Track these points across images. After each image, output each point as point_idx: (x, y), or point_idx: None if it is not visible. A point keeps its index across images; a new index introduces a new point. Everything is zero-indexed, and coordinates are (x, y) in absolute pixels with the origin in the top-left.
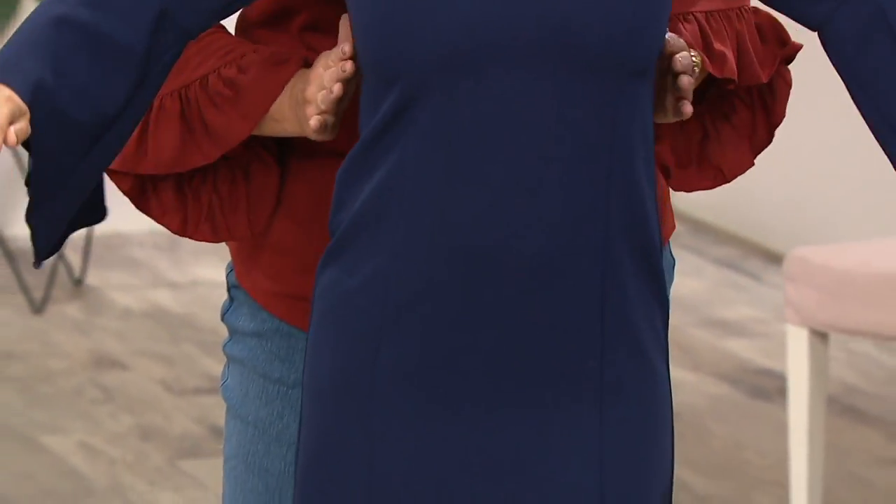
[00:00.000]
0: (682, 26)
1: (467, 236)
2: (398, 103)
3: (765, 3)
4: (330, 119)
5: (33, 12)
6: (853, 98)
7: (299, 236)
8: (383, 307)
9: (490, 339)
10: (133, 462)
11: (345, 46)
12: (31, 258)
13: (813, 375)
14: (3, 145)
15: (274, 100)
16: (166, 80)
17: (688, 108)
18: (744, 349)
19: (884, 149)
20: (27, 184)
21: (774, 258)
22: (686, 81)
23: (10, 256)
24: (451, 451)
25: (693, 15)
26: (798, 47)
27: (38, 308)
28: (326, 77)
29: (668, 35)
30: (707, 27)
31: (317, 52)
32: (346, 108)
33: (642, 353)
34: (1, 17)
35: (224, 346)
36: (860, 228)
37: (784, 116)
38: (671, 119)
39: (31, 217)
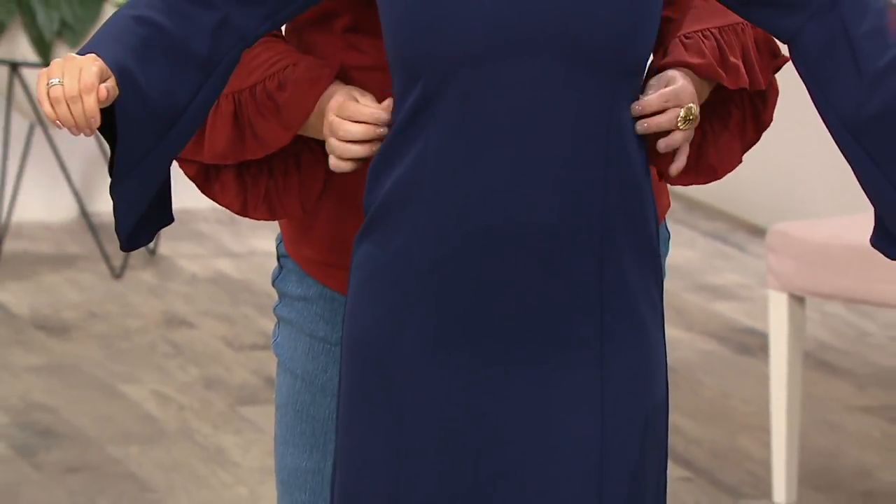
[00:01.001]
0: (702, 43)
1: (481, 214)
2: (421, 97)
3: (743, 18)
4: (347, 165)
5: (114, 14)
6: (814, 102)
7: (340, 214)
8: (409, 276)
9: (501, 303)
10: (199, 408)
11: (379, 114)
12: (111, 232)
13: (791, 334)
14: (98, 98)
15: (308, 115)
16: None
17: (676, 166)
18: (731, 311)
19: (838, 145)
20: (111, 166)
21: (758, 231)
22: (664, 145)
23: (94, 229)
24: (468, 400)
25: (710, 31)
26: (786, 59)
27: (117, 274)
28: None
29: (665, 90)
30: (722, 42)
31: (358, 50)
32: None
33: (638, 316)
34: (85, 21)
35: (275, 308)
36: (833, 205)
37: (772, 120)
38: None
39: (112, 194)
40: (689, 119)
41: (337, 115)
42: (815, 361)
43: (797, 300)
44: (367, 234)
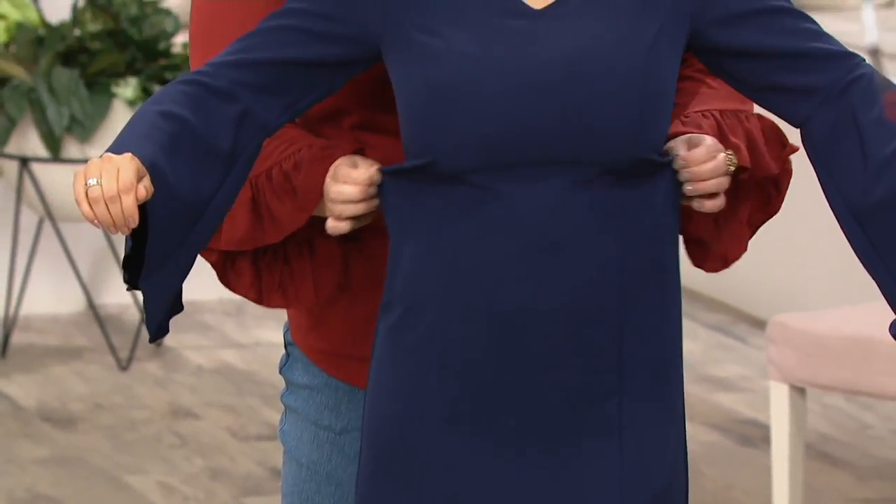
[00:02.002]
0: (701, 121)
1: (498, 299)
2: (437, 186)
3: (755, 102)
4: (343, 226)
5: (139, 110)
6: (823, 187)
7: (352, 307)
8: (430, 359)
9: (520, 386)
10: (204, 499)
11: (372, 173)
12: (118, 323)
13: (792, 425)
14: (137, 198)
15: (321, 193)
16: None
17: (716, 203)
18: (732, 402)
19: (845, 232)
20: (128, 261)
21: (758, 323)
22: (711, 205)
23: (101, 321)
24: (488, 481)
25: (710, 112)
26: (795, 149)
27: (123, 366)
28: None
29: (705, 142)
30: (723, 123)
31: (367, 146)
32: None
33: (657, 396)
34: (94, 116)
35: (281, 396)
36: (833, 297)
37: (780, 208)
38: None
39: (143, 290)
40: (733, 162)
41: (331, 179)
42: (816, 453)
43: (798, 391)
44: (387, 315)
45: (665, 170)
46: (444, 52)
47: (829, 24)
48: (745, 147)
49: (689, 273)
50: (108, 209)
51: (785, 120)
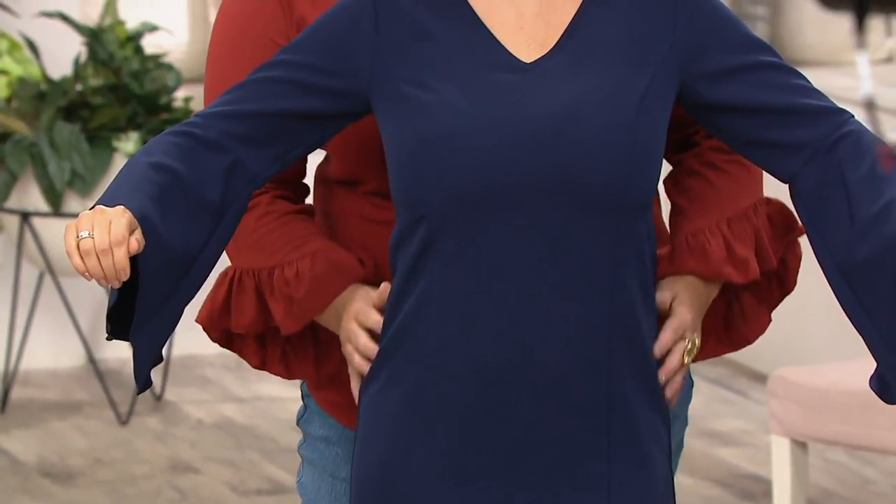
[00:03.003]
0: (707, 243)
1: (487, 352)
2: (427, 237)
3: (745, 157)
4: (367, 367)
5: (129, 161)
6: (811, 242)
7: None
8: (418, 412)
9: (509, 439)
10: None
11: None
12: (118, 378)
13: (794, 480)
14: (128, 251)
15: (319, 312)
16: (246, 252)
17: (672, 391)
18: (734, 457)
19: (832, 287)
20: (109, 314)
21: (759, 378)
22: (672, 391)
23: (101, 376)
24: None
25: (718, 226)
26: (802, 232)
27: (123, 421)
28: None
29: (666, 336)
30: (730, 235)
31: (381, 209)
32: None
33: (644, 453)
34: (95, 171)
35: (299, 447)
36: (834, 352)
37: (796, 284)
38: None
39: (132, 342)
40: (692, 352)
41: (356, 323)
42: None
43: (800, 446)
44: (374, 375)
45: (647, 213)
46: (435, 106)
47: (827, 78)
48: (753, 256)
49: None
50: (100, 262)
51: (773, 175)
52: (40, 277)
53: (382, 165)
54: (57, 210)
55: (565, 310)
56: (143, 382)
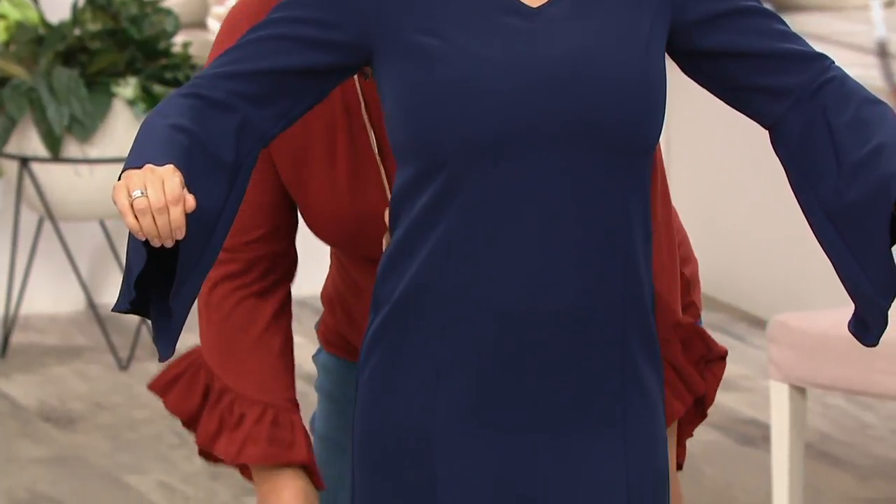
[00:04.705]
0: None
1: (507, 297)
2: (444, 184)
3: (726, 103)
4: None
5: (147, 123)
6: (793, 187)
7: (350, 305)
8: (439, 359)
9: (528, 383)
10: (204, 499)
11: None
12: (118, 323)
13: (793, 425)
14: (185, 209)
15: (246, 464)
16: (213, 350)
17: None
18: (732, 402)
19: (814, 229)
20: (134, 284)
21: (758, 323)
22: None
23: (101, 321)
24: (500, 473)
25: (671, 363)
26: (722, 352)
27: (123, 365)
28: None
29: None
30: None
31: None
32: None
33: (651, 395)
34: (94, 116)
35: (315, 382)
36: (833, 296)
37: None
38: None
39: (172, 305)
40: None
41: None
42: (816, 452)
43: (798, 391)
44: (378, 342)
45: (651, 159)
46: (448, 52)
47: (833, 23)
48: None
49: None
50: (155, 220)
51: (756, 120)
52: (40, 223)
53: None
54: (56, 155)
55: (584, 254)
56: (172, 351)
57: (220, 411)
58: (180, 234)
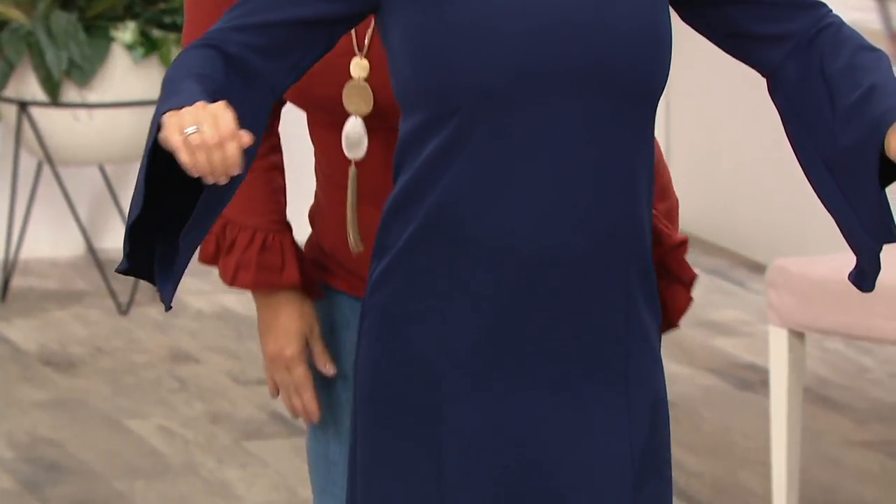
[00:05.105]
0: None
1: (519, 239)
2: (457, 127)
3: (725, 51)
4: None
5: (173, 74)
6: (790, 134)
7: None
8: (445, 313)
9: (537, 324)
10: (204, 442)
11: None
12: (118, 266)
13: (791, 369)
14: (241, 144)
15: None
16: None
17: None
18: (731, 346)
19: (810, 177)
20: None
21: (757, 268)
22: None
23: (101, 266)
24: (507, 417)
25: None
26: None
27: (123, 310)
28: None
29: None
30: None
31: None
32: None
33: (649, 340)
34: (93, 60)
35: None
36: (832, 242)
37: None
38: None
39: (182, 241)
40: None
41: (289, 373)
42: (814, 396)
43: (797, 336)
44: (384, 283)
45: (657, 101)
46: None
47: None
48: None
49: (688, 217)
50: (209, 156)
51: (755, 68)
52: (39, 167)
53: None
54: (55, 99)
55: (594, 197)
56: (173, 295)
57: (215, 233)
58: (236, 170)
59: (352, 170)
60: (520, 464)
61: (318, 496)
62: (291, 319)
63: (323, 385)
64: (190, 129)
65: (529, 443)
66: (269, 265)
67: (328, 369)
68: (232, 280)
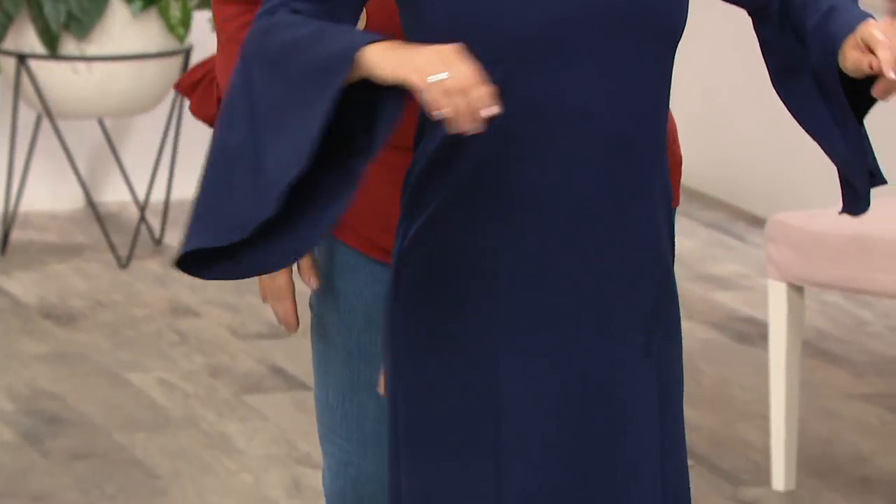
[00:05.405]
0: None
1: (564, 196)
2: (497, 83)
3: None
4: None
5: (289, 43)
6: (774, 75)
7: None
8: (495, 262)
9: (582, 272)
10: (204, 396)
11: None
12: (117, 221)
13: (790, 323)
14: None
15: None
16: (225, 79)
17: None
18: (730, 300)
19: (790, 105)
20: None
21: (757, 221)
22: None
23: (100, 219)
24: (566, 353)
25: None
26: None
27: (123, 264)
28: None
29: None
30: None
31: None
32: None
33: (671, 277)
34: (91, 13)
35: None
36: (831, 195)
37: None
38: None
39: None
40: None
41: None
42: (813, 350)
43: (796, 289)
44: (432, 232)
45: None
46: None
47: None
48: None
49: (688, 171)
50: (462, 102)
51: (742, 6)
52: (38, 120)
53: None
54: (53, 52)
55: (635, 147)
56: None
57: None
58: (494, 109)
59: None
60: (584, 384)
61: (321, 442)
62: (290, 282)
63: (320, 333)
64: (441, 75)
65: (592, 370)
66: None
67: (312, 284)
68: None
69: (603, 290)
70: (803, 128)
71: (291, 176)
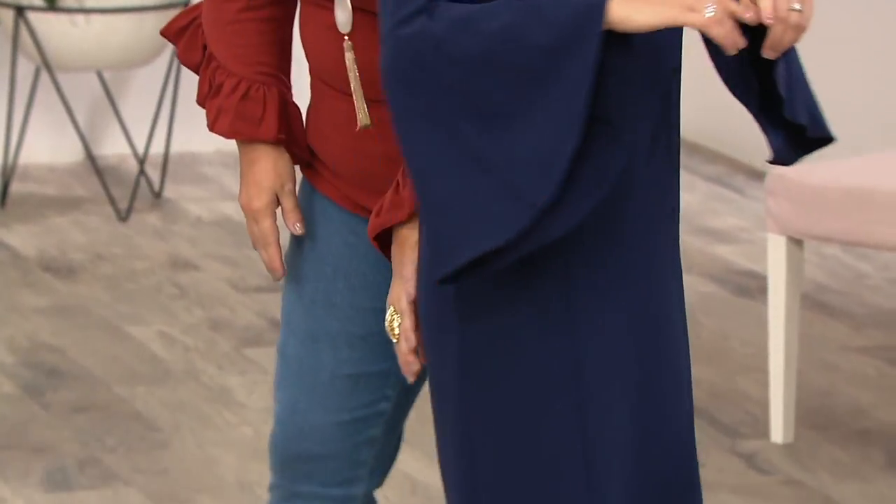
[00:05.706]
0: None
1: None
2: None
3: None
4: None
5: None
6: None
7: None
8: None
9: (630, 220)
10: (204, 349)
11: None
12: (116, 174)
13: (789, 276)
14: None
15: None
16: (210, 27)
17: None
18: (730, 253)
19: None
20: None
21: (757, 175)
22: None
23: (99, 172)
24: (629, 284)
25: None
26: None
27: (123, 217)
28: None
29: None
30: None
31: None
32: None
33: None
34: None
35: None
36: (830, 149)
37: None
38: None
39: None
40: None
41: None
42: (812, 303)
43: (795, 243)
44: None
45: None
46: None
47: None
48: None
49: (688, 125)
50: (729, 28)
51: None
52: (37, 73)
53: None
54: (52, 4)
55: (660, 75)
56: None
57: (208, 74)
58: (743, 43)
59: (349, 56)
60: (649, 314)
61: (274, 390)
62: (265, 172)
63: (288, 279)
64: (709, 11)
65: (652, 303)
66: (247, 115)
67: (296, 228)
68: (212, 125)
69: (648, 230)
70: (718, 74)
71: (568, 152)
